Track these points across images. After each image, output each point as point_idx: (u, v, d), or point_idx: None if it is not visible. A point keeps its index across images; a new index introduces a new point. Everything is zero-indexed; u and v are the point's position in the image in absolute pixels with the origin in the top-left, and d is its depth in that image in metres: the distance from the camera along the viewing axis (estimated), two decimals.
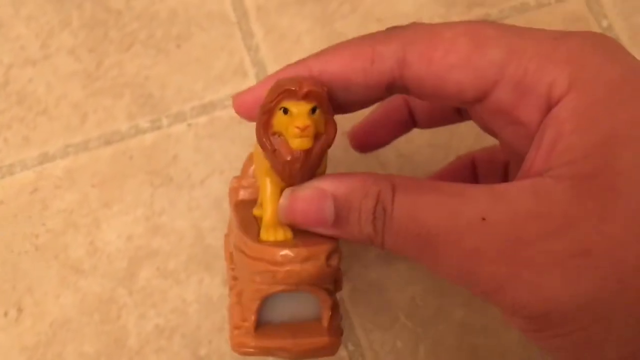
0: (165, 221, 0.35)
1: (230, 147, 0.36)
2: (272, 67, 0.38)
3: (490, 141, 0.27)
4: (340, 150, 0.35)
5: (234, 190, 0.29)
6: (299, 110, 0.21)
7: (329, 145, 0.22)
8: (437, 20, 0.38)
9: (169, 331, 0.33)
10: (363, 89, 0.22)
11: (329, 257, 0.23)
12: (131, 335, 0.33)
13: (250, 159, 0.29)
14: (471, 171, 0.30)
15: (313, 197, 0.21)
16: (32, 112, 0.37)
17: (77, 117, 0.37)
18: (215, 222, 0.35)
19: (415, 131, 0.31)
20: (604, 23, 0.38)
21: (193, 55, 0.38)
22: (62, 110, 0.37)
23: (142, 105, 0.37)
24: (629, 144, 0.18)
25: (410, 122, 0.29)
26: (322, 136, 0.22)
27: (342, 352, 0.33)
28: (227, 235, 0.30)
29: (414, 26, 0.22)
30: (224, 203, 0.35)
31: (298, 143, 0.21)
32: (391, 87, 0.22)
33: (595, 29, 0.38)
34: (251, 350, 0.24)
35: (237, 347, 0.25)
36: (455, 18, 0.39)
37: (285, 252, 0.22)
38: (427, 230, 0.19)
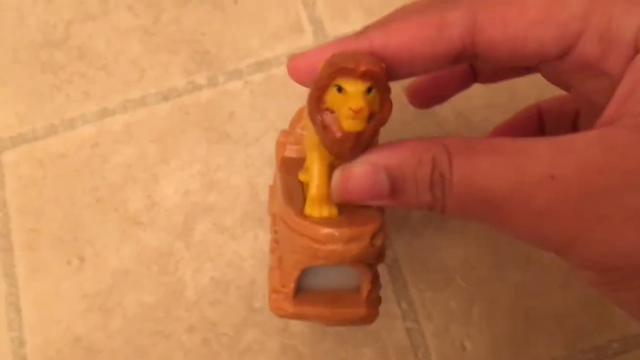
0: (221, 177, 0.35)
1: (285, 104, 0.36)
2: (330, 25, 0.37)
3: (554, 93, 0.26)
4: (396, 109, 0.34)
5: (281, 145, 0.28)
6: (354, 90, 0.19)
7: (383, 124, 0.21)
8: None
9: (224, 284, 0.34)
10: (429, 61, 0.21)
11: (373, 237, 0.22)
12: (188, 287, 0.34)
13: (298, 115, 0.28)
14: (537, 123, 0.29)
15: (366, 174, 0.20)
16: (92, 67, 0.38)
17: (135, 73, 0.37)
18: (270, 179, 0.35)
19: (474, 89, 0.31)
20: None
21: (249, 11, 0.38)
22: (120, 65, 0.38)
23: (198, 62, 0.37)
24: None
25: (471, 76, 0.28)
26: (376, 115, 0.20)
27: (395, 310, 0.33)
28: (271, 189, 0.30)
29: None
30: None
31: (350, 124, 0.20)
32: (460, 56, 0.21)
33: None
34: (289, 315, 0.24)
35: (275, 310, 0.25)
36: None
37: (329, 231, 0.22)
38: (491, 194, 0.18)
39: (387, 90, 0.20)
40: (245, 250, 0.34)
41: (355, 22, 0.37)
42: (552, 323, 0.32)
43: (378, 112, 0.20)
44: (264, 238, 0.34)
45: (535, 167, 0.18)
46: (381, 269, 0.33)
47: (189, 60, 0.37)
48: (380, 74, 0.20)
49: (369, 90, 0.19)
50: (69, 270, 0.34)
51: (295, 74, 0.23)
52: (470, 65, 0.28)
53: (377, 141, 0.22)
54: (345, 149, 0.20)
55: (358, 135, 0.20)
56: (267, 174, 0.35)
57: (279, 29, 0.38)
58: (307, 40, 0.37)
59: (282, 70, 0.37)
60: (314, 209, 0.23)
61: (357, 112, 0.19)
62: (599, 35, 0.19)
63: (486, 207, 0.19)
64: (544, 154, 0.18)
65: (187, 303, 0.34)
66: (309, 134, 0.23)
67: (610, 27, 0.19)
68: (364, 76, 0.19)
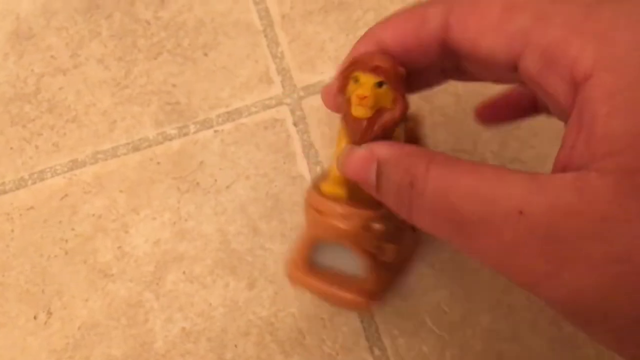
0: (192, 226, 0.35)
1: (255, 152, 0.37)
2: (297, 75, 0.38)
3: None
4: None
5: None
6: (365, 80, 0.22)
7: (395, 122, 0.23)
8: None
9: (195, 335, 0.33)
10: (418, 52, 0.23)
11: (366, 223, 0.24)
12: (158, 339, 0.33)
13: None
14: (530, 99, 0.28)
15: (363, 157, 0.22)
16: (62, 119, 0.38)
17: (106, 125, 0.38)
18: (241, 227, 0.35)
19: (441, 134, 0.31)
20: None
21: (219, 63, 0.39)
22: (91, 117, 0.38)
23: (169, 112, 0.38)
24: None
25: (532, 109, 0.28)
26: (387, 111, 0.23)
27: (368, 357, 0.32)
28: None
29: None
30: (249, 208, 0.35)
31: (356, 110, 0.22)
32: (444, 52, 0.22)
33: None
34: (296, 282, 0.28)
35: (288, 276, 0.29)
36: None
37: (330, 204, 0.25)
38: (461, 216, 0.19)
39: (401, 90, 0.23)
40: (216, 299, 0.34)
41: (321, 73, 0.38)
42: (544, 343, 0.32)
43: (390, 108, 0.23)
44: (234, 286, 0.34)
45: (507, 200, 0.18)
46: (352, 315, 0.33)
47: (160, 111, 0.38)
48: (390, 70, 0.22)
49: (380, 84, 0.22)
50: (35, 325, 0.34)
51: (326, 99, 0.26)
52: (533, 99, 0.27)
53: (402, 137, 0.25)
54: (356, 134, 0.23)
55: (368, 123, 0.22)
56: (237, 222, 0.35)
57: (248, 79, 0.38)
58: (276, 90, 0.38)
59: (251, 120, 0.37)
60: (327, 186, 0.25)
61: (362, 99, 0.22)
62: (540, 52, 0.19)
63: (455, 227, 0.19)
64: (517, 188, 0.18)
65: (157, 355, 0.33)
66: (339, 124, 0.25)
67: (549, 48, 0.19)
68: (374, 70, 0.22)
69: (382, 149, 0.22)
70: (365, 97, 0.22)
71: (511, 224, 0.18)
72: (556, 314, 0.20)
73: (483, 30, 0.21)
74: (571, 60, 0.18)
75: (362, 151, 0.22)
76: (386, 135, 0.23)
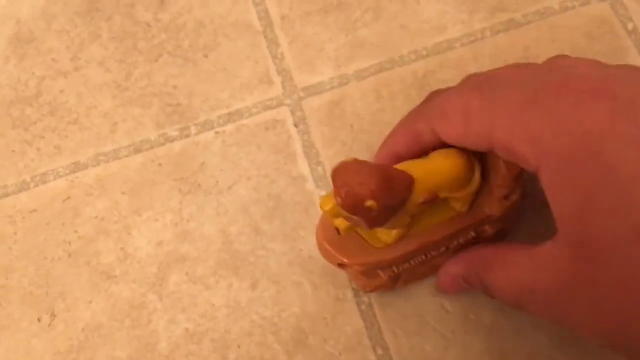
0: (194, 227, 0.35)
1: (256, 153, 0.37)
2: (297, 76, 0.38)
3: None
4: None
5: None
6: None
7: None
8: (458, 27, 0.39)
9: (198, 336, 0.33)
10: (417, 154, 0.29)
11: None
12: (161, 340, 0.33)
13: None
14: None
15: (451, 278, 0.31)
16: (63, 122, 0.38)
17: (107, 127, 0.38)
18: (242, 228, 0.35)
19: None
20: (629, 26, 0.38)
21: (219, 64, 0.39)
22: (92, 120, 0.38)
23: (170, 114, 0.38)
24: (597, 214, 0.21)
25: None
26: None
27: (370, 357, 0.33)
28: None
29: (434, 101, 0.28)
30: (251, 208, 0.36)
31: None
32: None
33: (621, 31, 0.38)
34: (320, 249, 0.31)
35: (316, 239, 0.30)
36: (477, 25, 0.39)
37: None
38: (505, 299, 0.27)
39: (359, 215, 0.25)
40: (219, 300, 0.34)
41: (321, 73, 0.38)
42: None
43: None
44: (237, 287, 0.34)
45: (522, 282, 0.25)
46: (354, 315, 0.33)
47: (161, 113, 0.38)
48: (350, 206, 0.24)
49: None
50: (40, 326, 0.34)
51: None
52: None
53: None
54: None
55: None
56: (239, 222, 0.35)
57: (249, 80, 0.38)
58: (276, 91, 0.38)
59: (252, 120, 0.37)
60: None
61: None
62: (502, 148, 0.24)
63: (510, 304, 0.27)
64: (526, 268, 0.25)
65: (160, 356, 0.33)
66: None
67: (508, 145, 0.24)
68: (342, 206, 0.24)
69: (454, 268, 0.31)
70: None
71: (530, 301, 0.26)
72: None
73: (457, 136, 0.26)
74: (522, 158, 0.24)
75: (445, 277, 0.31)
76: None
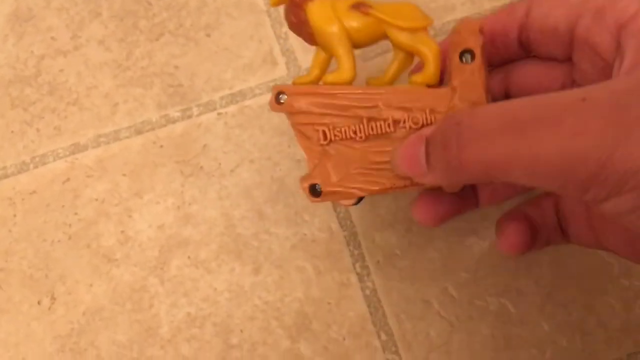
0: (196, 210, 0.35)
1: (259, 135, 0.36)
2: (302, 56, 0.37)
3: None
4: None
5: None
6: None
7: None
8: (467, 6, 0.38)
9: (200, 320, 0.33)
10: (502, 36, 0.28)
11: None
12: (163, 324, 0.33)
13: None
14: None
15: (411, 141, 0.24)
16: (63, 102, 0.37)
17: (107, 107, 0.37)
18: (245, 211, 0.35)
19: None
20: None
21: (222, 44, 0.38)
22: (93, 100, 0.37)
23: (171, 94, 0.37)
24: None
25: (473, 201, 0.30)
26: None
27: (375, 342, 0.32)
28: None
29: None
30: (254, 192, 0.35)
31: None
32: (521, 34, 0.27)
33: None
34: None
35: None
36: (487, 4, 0.38)
37: None
38: (517, 117, 0.20)
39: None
40: (221, 284, 0.34)
41: None
42: (534, 350, 0.32)
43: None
44: (240, 271, 0.34)
45: (566, 95, 0.20)
46: (358, 300, 0.33)
47: (162, 94, 0.37)
48: None
49: None
50: (40, 309, 0.34)
51: None
52: (473, 191, 0.30)
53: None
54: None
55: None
56: (242, 206, 0.35)
57: (252, 61, 0.38)
58: (280, 72, 0.37)
59: (255, 102, 0.37)
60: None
61: None
62: (592, 13, 0.24)
63: (512, 135, 0.20)
64: (575, 90, 0.20)
65: (162, 340, 0.33)
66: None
67: (601, 7, 0.23)
68: None
69: (428, 129, 0.24)
70: None
71: (573, 111, 0.19)
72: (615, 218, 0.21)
73: (553, 6, 0.25)
74: (619, 10, 0.23)
75: (410, 138, 0.25)
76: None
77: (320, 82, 0.28)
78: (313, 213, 0.34)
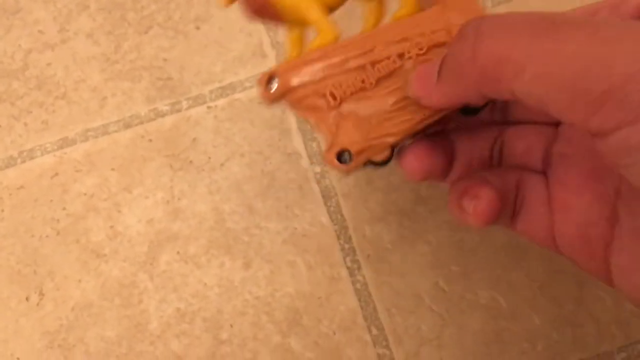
0: (186, 205, 0.35)
1: (250, 129, 0.36)
2: None
3: None
4: None
5: None
6: None
7: None
8: None
9: (190, 315, 0.33)
10: None
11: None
12: (152, 320, 0.33)
13: None
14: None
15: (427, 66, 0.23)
16: (51, 96, 0.37)
17: (96, 101, 0.37)
18: (236, 206, 0.34)
19: None
20: None
21: (212, 36, 0.38)
22: (81, 94, 0.37)
23: (160, 88, 0.37)
24: None
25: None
26: None
27: (365, 337, 0.32)
28: None
29: None
30: (244, 186, 0.35)
31: None
32: None
33: None
34: None
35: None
36: None
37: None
38: (549, 18, 0.18)
39: None
40: (211, 279, 0.33)
41: None
42: (525, 343, 0.32)
43: None
44: (230, 266, 0.33)
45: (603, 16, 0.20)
46: (349, 294, 0.32)
47: (151, 87, 0.37)
48: None
49: None
50: (27, 306, 0.33)
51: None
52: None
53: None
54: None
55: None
56: (232, 200, 0.34)
57: (241, 53, 0.37)
58: (270, 64, 0.37)
59: (245, 95, 0.36)
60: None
61: None
62: (610, 7, 0.23)
63: (539, 29, 0.18)
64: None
65: (151, 336, 0.33)
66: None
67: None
68: None
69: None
70: None
71: (611, 23, 0.17)
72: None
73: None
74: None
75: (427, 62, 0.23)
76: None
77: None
78: (303, 207, 0.34)
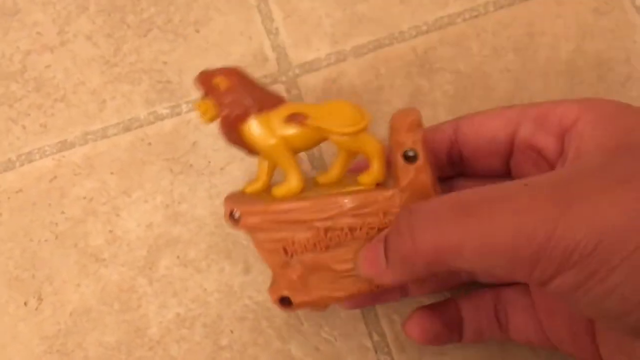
0: (185, 209, 0.34)
1: None
2: (292, 51, 0.37)
3: None
4: None
5: None
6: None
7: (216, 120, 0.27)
8: (460, 1, 0.37)
9: (189, 321, 0.33)
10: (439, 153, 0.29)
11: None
12: (152, 325, 0.33)
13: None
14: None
15: (372, 245, 0.25)
16: (50, 99, 0.37)
17: (95, 104, 0.36)
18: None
19: (442, 113, 0.30)
20: (638, 2, 0.37)
21: (212, 40, 0.37)
22: (80, 97, 0.37)
23: (160, 91, 0.37)
24: None
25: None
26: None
27: (367, 343, 0.32)
28: None
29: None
30: None
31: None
32: (450, 151, 0.29)
33: (629, 7, 0.37)
34: None
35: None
36: None
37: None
38: (465, 203, 0.22)
39: (215, 98, 0.27)
40: (211, 284, 0.33)
41: (317, 50, 0.37)
42: (527, 352, 0.31)
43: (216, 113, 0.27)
44: (229, 271, 0.33)
45: (509, 183, 0.22)
46: None
47: (151, 90, 0.37)
48: (203, 84, 0.27)
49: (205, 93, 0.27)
50: (26, 311, 0.33)
51: None
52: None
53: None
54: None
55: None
56: None
57: (242, 57, 0.37)
58: (271, 68, 0.36)
59: None
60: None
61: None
62: (533, 120, 0.26)
63: (462, 215, 0.21)
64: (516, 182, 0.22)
65: (151, 341, 0.32)
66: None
67: (541, 114, 0.26)
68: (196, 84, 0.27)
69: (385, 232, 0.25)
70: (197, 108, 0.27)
71: (518, 192, 0.21)
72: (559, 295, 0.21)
73: (486, 119, 0.27)
74: (559, 116, 0.25)
75: (372, 241, 0.25)
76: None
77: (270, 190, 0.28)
78: None
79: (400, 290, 0.31)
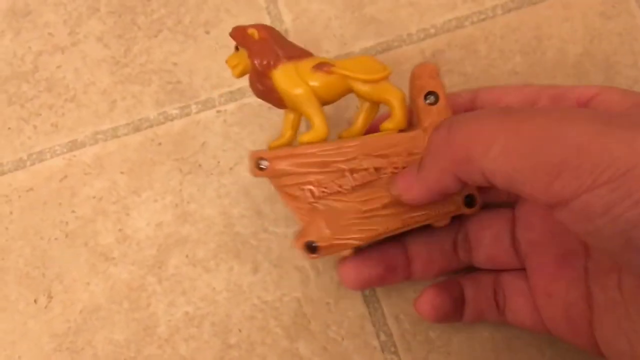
0: (194, 208, 0.35)
1: (259, 133, 0.36)
2: None
3: None
4: None
5: None
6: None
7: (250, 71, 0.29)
8: (469, 4, 0.37)
9: (198, 319, 0.33)
10: None
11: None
12: (161, 323, 0.33)
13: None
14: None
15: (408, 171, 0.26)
16: (61, 99, 0.37)
17: (105, 104, 0.37)
18: (244, 210, 0.34)
19: None
20: None
21: (221, 41, 0.38)
22: (90, 97, 0.37)
23: (170, 92, 0.37)
24: None
25: (406, 271, 0.31)
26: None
27: (374, 342, 0.32)
28: None
29: None
30: (253, 190, 0.35)
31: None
32: None
33: (637, 11, 0.37)
34: None
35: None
36: (488, 2, 0.38)
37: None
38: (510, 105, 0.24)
39: (246, 47, 0.29)
40: (220, 284, 0.33)
41: (327, 52, 0.37)
42: (534, 350, 0.32)
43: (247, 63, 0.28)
44: (238, 270, 0.33)
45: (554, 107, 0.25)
46: (357, 300, 0.32)
47: (161, 91, 0.37)
48: (237, 36, 0.29)
49: (236, 47, 0.29)
50: (36, 308, 0.33)
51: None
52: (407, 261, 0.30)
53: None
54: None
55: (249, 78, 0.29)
56: (241, 204, 0.34)
57: None
58: None
59: (255, 99, 0.36)
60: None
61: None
62: (550, 97, 0.27)
63: (502, 113, 0.21)
64: None
65: (160, 340, 0.33)
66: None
67: (561, 95, 0.27)
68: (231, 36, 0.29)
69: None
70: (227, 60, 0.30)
71: (564, 108, 0.22)
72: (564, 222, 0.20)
73: (504, 93, 0.29)
74: (577, 94, 0.26)
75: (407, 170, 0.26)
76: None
77: (296, 142, 0.29)
78: None
79: (405, 273, 0.30)
